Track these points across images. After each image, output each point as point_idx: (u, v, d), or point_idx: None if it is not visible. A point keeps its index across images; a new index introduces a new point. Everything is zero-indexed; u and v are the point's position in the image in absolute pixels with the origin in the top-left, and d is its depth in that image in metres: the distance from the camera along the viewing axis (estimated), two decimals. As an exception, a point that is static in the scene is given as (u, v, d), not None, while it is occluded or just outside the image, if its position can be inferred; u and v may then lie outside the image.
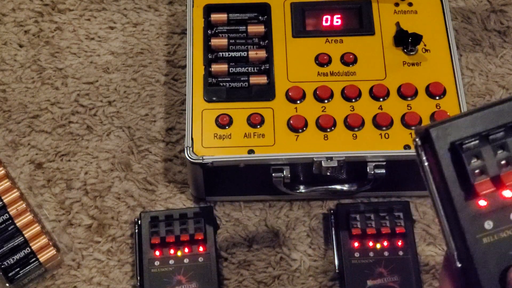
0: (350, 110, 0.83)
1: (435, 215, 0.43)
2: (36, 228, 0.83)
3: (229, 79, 0.85)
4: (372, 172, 0.80)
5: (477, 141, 0.42)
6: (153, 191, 0.87)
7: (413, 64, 0.86)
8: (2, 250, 0.82)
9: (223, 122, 0.82)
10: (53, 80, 0.94)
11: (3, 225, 0.83)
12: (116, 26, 0.98)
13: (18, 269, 0.81)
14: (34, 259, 0.82)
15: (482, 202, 0.42)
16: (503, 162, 0.42)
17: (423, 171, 0.44)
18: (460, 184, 0.42)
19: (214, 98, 0.83)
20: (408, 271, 0.79)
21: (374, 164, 0.80)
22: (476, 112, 0.43)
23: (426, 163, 0.43)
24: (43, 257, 0.82)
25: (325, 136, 0.81)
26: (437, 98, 0.83)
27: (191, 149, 0.80)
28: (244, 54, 0.86)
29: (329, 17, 0.88)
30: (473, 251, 0.41)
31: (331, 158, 0.79)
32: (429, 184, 0.44)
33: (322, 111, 0.83)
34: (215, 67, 0.85)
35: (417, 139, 0.44)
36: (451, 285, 0.45)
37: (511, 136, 0.42)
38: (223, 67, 0.85)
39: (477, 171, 0.42)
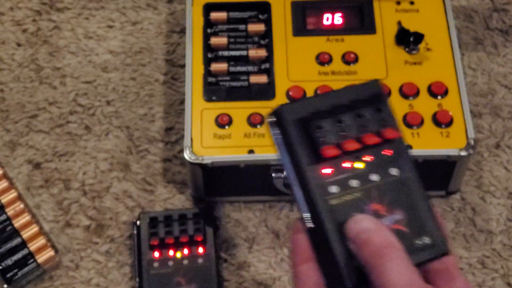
0: (351, 110, 0.82)
1: (290, 184, 0.51)
2: (34, 229, 0.83)
3: (228, 78, 0.85)
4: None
5: (320, 117, 0.51)
6: (152, 191, 0.87)
7: (414, 63, 0.85)
8: (-1, 251, 0.81)
9: (223, 121, 0.82)
10: (51, 79, 0.93)
11: (0, 226, 0.82)
12: (115, 24, 0.97)
13: (16, 270, 0.81)
14: (32, 260, 0.81)
15: (327, 170, 0.50)
16: (340, 133, 0.51)
17: (276, 144, 0.52)
18: (308, 153, 0.50)
19: (213, 98, 0.83)
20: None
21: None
22: (318, 96, 0.52)
23: (279, 136, 0.51)
24: (41, 258, 0.81)
25: (326, 135, 0.81)
26: (439, 97, 0.83)
27: (190, 149, 0.80)
28: (244, 53, 0.86)
29: (330, 15, 0.88)
30: (321, 210, 0.49)
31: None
32: (281, 154, 0.51)
33: (323, 110, 0.82)
34: (214, 66, 0.85)
35: (270, 116, 0.52)
36: (303, 247, 0.51)
37: (344, 113, 0.51)
38: (223, 66, 0.85)
39: (321, 139, 0.50)
